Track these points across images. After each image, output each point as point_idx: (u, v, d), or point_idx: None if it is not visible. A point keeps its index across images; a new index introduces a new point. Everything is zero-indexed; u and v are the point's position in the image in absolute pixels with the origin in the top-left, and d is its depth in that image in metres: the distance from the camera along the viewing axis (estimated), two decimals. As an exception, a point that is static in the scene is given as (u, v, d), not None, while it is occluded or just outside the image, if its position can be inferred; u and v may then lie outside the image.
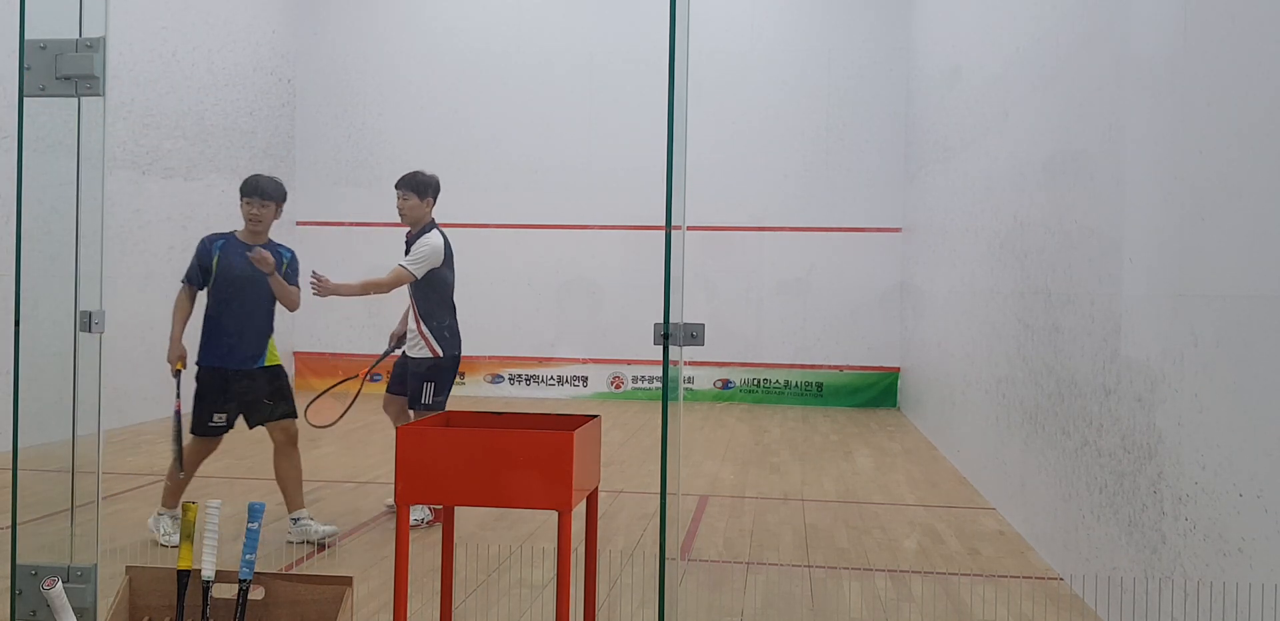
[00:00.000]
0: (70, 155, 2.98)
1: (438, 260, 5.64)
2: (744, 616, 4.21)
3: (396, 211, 5.75)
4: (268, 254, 5.13)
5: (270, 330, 5.36)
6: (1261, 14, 3.08)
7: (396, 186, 5.77)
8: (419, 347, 5.71)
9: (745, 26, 11.88)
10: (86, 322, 3.00)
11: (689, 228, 3.17)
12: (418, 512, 5.53)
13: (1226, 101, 3.28)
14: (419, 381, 5.67)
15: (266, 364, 5.32)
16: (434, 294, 5.70)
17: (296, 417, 5.40)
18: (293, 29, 12.15)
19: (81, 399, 3.03)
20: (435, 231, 5.70)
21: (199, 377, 5.34)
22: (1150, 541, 3.71)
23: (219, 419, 5.31)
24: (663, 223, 3.03)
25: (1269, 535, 2.89)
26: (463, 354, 5.87)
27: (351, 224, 12.34)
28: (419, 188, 5.71)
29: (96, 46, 2.88)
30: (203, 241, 5.36)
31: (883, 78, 11.68)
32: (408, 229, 5.80)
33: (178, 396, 5.34)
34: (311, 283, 5.36)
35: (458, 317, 5.85)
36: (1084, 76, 4.79)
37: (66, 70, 2.87)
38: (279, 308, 5.36)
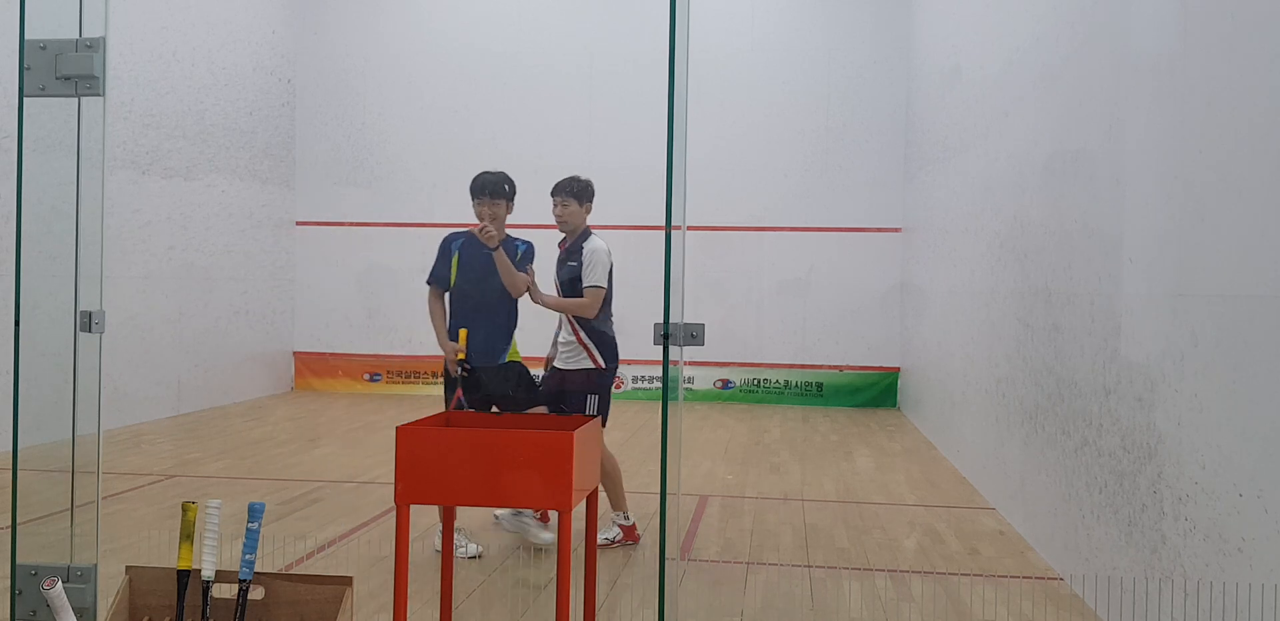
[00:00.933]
0: (70, 155, 2.99)
1: (609, 265, 5.45)
2: (744, 616, 4.21)
3: (555, 219, 5.56)
4: (491, 229, 5.16)
5: (512, 327, 5.39)
6: (1261, 14, 3.08)
7: (554, 193, 5.58)
8: (578, 358, 5.40)
9: (745, 26, 11.88)
10: (86, 322, 3.00)
11: (689, 228, 3.17)
12: (608, 532, 5.24)
13: (1226, 101, 3.28)
14: (581, 394, 5.33)
15: (508, 360, 5.35)
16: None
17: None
18: (293, 29, 12.15)
19: (81, 399, 3.03)
20: (596, 236, 5.53)
21: (445, 373, 5.31)
22: (1150, 541, 3.71)
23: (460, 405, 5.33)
24: (663, 223, 3.03)
25: (1269, 535, 2.89)
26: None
27: (351, 224, 12.34)
28: (579, 193, 5.53)
29: (96, 46, 2.88)
30: (443, 241, 5.49)
31: (883, 78, 11.68)
32: (561, 237, 5.61)
33: (459, 395, 5.20)
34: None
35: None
36: (1084, 76, 4.79)
37: (66, 70, 2.87)
38: (525, 303, 5.43)
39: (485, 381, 5.21)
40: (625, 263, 11.41)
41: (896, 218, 11.56)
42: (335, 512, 5.89)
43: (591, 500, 3.24)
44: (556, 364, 5.51)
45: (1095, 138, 4.60)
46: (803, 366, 11.78)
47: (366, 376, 12.25)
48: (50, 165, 3.01)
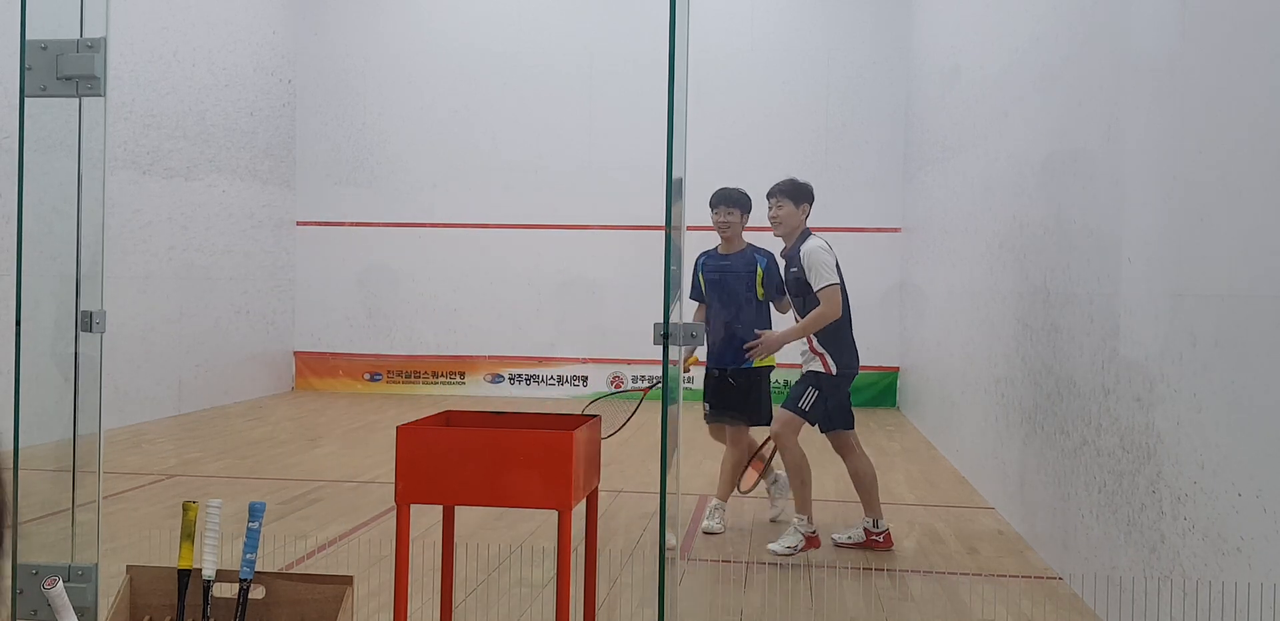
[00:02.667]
0: (71, 155, 2.99)
1: (833, 262, 5.23)
2: (743, 616, 4.22)
3: (769, 221, 5.38)
4: (756, 345, 5.41)
5: (754, 334, 5.52)
6: (1261, 14, 3.08)
7: (769, 195, 5.37)
8: (812, 365, 5.39)
9: (745, 26, 11.89)
10: (87, 322, 3.01)
11: (689, 228, 3.17)
12: (789, 539, 5.17)
13: (1226, 101, 3.29)
14: (803, 386, 5.33)
15: (756, 365, 5.59)
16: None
17: (770, 422, 5.56)
18: (293, 29, 12.15)
19: (82, 398, 3.03)
20: (815, 237, 5.32)
21: (705, 374, 5.69)
22: (1149, 540, 3.71)
23: (706, 410, 5.74)
24: (663, 223, 3.04)
25: (1268, 534, 2.89)
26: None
27: (351, 224, 12.34)
28: (796, 194, 5.31)
29: (97, 47, 2.89)
30: (696, 259, 5.78)
31: (883, 78, 11.68)
32: (781, 245, 5.45)
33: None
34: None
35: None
36: (1083, 76, 4.79)
37: (67, 70, 2.87)
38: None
39: (725, 385, 5.62)
40: (625, 263, 11.46)
41: (896, 218, 11.56)
42: (335, 512, 5.89)
43: (592, 500, 3.24)
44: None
45: (1095, 138, 4.60)
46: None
47: (366, 376, 12.25)
48: (51, 165, 3.02)
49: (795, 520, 5.21)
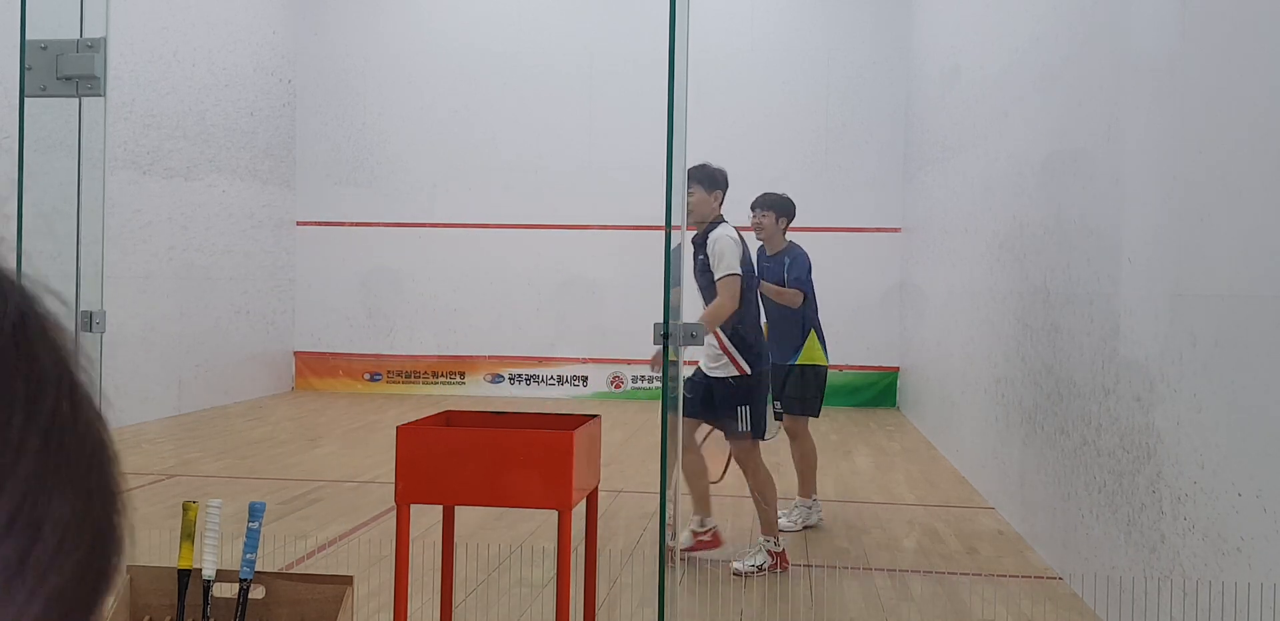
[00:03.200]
0: (71, 155, 2.99)
1: (738, 253, 4.99)
2: (743, 616, 4.22)
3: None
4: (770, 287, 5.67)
5: (797, 332, 5.82)
6: (1261, 14, 3.08)
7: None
8: (722, 365, 5.04)
9: (745, 26, 11.89)
10: (87, 322, 3.01)
11: (689, 227, 3.17)
12: (755, 559, 4.95)
13: (1226, 101, 3.29)
14: (730, 406, 5.00)
15: (799, 362, 5.81)
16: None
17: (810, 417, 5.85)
18: (293, 29, 12.15)
19: (82, 398, 3.03)
20: (725, 225, 5.11)
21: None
22: (1149, 540, 3.71)
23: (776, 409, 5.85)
24: (663, 223, 3.04)
25: (1267, 534, 2.89)
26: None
27: (351, 224, 12.34)
28: (707, 181, 5.18)
29: (97, 47, 2.89)
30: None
31: (882, 78, 11.68)
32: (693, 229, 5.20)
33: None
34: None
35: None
36: (1083, 76, 4.79)
37: (67, 70, 2.87)
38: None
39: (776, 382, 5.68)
40: (625, 263, 11.46)
41: (896, 218, 11.56)
42: (335, 512, 5.89)
43: (592, 500, 3.24)
44: (703, 369, 5.19)
45: (1095, 138, 4.60)
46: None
47: (366, 376, 12.25)
48: (51, 165, 3.02)
49: (761, 540, 4.98)
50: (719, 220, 5.14)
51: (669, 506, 3.27)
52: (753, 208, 5.94)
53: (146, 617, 2.82)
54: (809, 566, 4.98)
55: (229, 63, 10.89)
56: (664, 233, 3.04)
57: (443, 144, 12.15)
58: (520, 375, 12.04)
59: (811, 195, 11.83)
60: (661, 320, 3.06)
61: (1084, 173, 4.73)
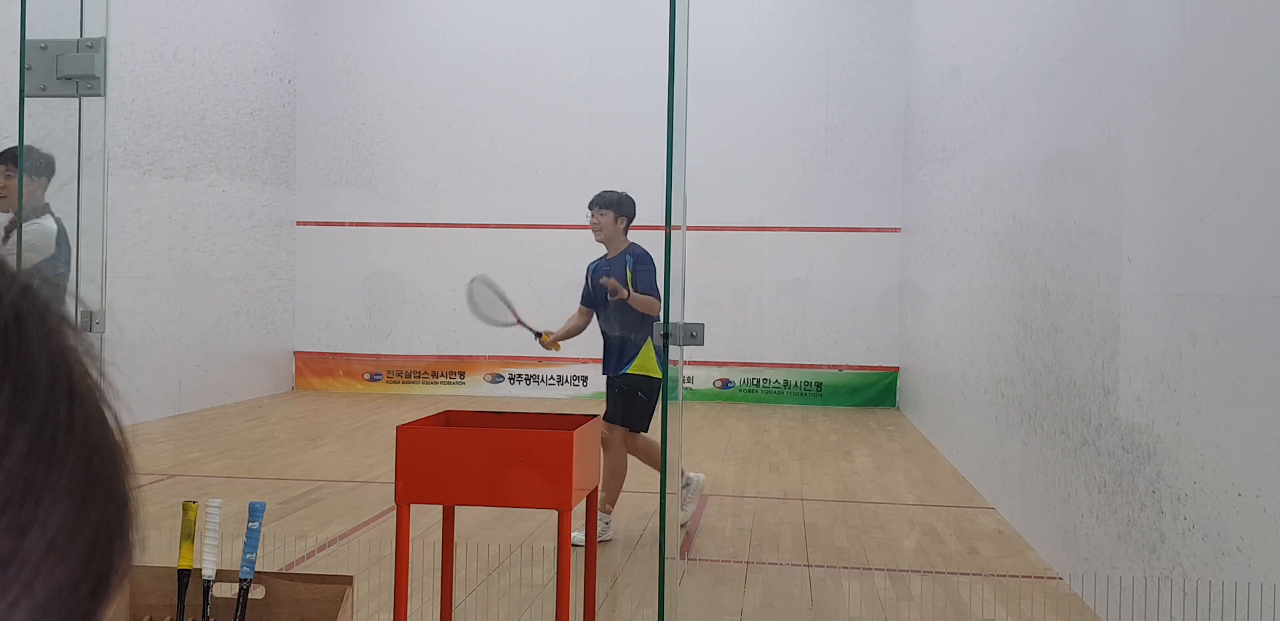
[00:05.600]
0: (71, 155, 2.99)
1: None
2: (743, 616, 4.22)
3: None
4: (612, 281, 5.31)
5: (633, 340, 5.45)
6: (1261, 14, 3.08)
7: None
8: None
9: (745, 26, 11.89)
10: (87, 322, 3.01)
11: (689, 228, 3.18)
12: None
13: (1226, 101, 3.29)
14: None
15: (630, 371, 5.44)
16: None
17: (630, 429, 5.44)
18: (293, 29, 12.15)
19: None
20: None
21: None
22: (1149, 541, 3.71)
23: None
24: (663, 223, 3.04)
25: (1267, 534, 2.89)
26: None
27: (351, 224, 12.34)
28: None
29: (97, 47, 2.89)
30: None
31: (882, 78, 11.68)
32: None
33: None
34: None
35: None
36: (1083, 76, 4.79)
37: (67, 70, 2.87)
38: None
39: (612, 390, 5.51)
40: (625, 262, 11.46)
41: (896, 218, 11.56)
42: (335, 512, 5.89)
43: (592, 499, 3.25)
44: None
45: (1094, 138, 4.60)
46: (802, 366, 11.78)
47: (366, 376, 12.25)
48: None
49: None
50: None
51: (669, 506, 3.27)
52: (590, 207, 5.63)
53: (147, 617, 2.82)
54: (809, 566, 4.98)
55: (229, 63, 10.89)
56: (664, 232, 3.04)
57: (443, 144, 12.15)
58: (520, 375, 12.04)
59: (811, 195, 11.86)
60: (661, 320, 3.05)
61: (1084, 173, 4.73)
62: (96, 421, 0.40)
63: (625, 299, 5.31)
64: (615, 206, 5.58)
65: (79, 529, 0.38)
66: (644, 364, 5.42)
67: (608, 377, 5.55)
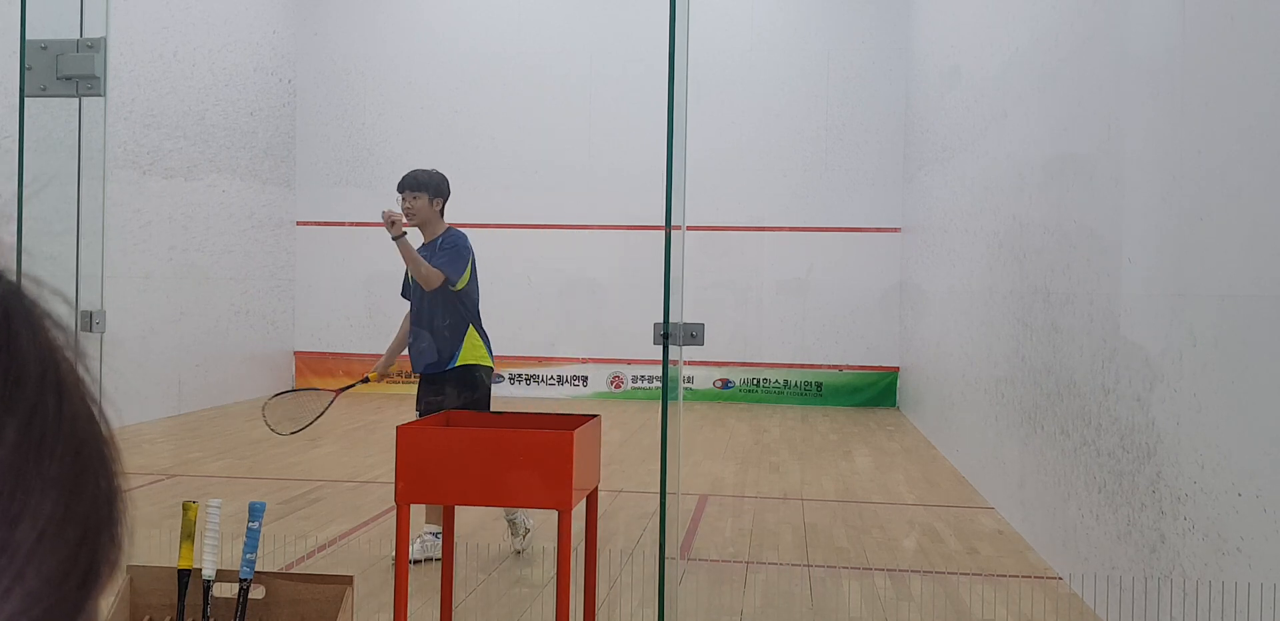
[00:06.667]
0: (71, 155, 2.99)
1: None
2: (743, 616, 4.22)
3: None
4: (390, 212, 4.90)
5: (457, 332, 5.14)
6: (1261, 14, 3.08)
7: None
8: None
9: (745, 27, 11.89)
10: (87, 322, 3.01)
11: (689, 227, 3.18)
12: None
13: (1225, 101, 3.29)
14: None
15: (459, 364, 5.10)
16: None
17: None
18: (293, 29, 12.15)
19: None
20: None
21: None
22: (1149, 540, 3.71)
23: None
24: (662, 223, 3.04)
25: (1267, 534, 2.89)
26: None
27: (351, 224, 12.33)
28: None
29: (97, 47, 2.89)
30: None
31: (882, 78, 11.68)
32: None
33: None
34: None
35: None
36: (1083, 77, 4.79)
37: (67, 70, 2.87)
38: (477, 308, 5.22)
39: (434, 391, 5.08)
40: (625, 263, 11.47)
41: (895, 218, 11.56)
42: (335, 512, 5.89)
43: (592, 500, 3.24)
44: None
45: (1094, 138, 4.60)
46: (802, 366, 11.78)
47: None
48: (51, 165, 3.02)
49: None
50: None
51: (669, 506, 3.27)
52: (400, 190, 5.17)
53: (147, 617, 2.82)
54: (809, 566, 4.98)
55: (229, 63, 10.89)
56: (664, 232, 3.04)
57: (443, 144, 12.14)
58: (520, 375, 12.04)
59: (811, 195, 11.86)
60: (661, 320, 3.06)
61: (1084, 173, 4.73)
62: (84, 415, 0.41)
63: (403, 235, 4.96)
64: (429, 188, 5.13)
65: (69, 519, 0.39)
66: (471, 354, 5.11)
67: (430, 375, 5.17)
